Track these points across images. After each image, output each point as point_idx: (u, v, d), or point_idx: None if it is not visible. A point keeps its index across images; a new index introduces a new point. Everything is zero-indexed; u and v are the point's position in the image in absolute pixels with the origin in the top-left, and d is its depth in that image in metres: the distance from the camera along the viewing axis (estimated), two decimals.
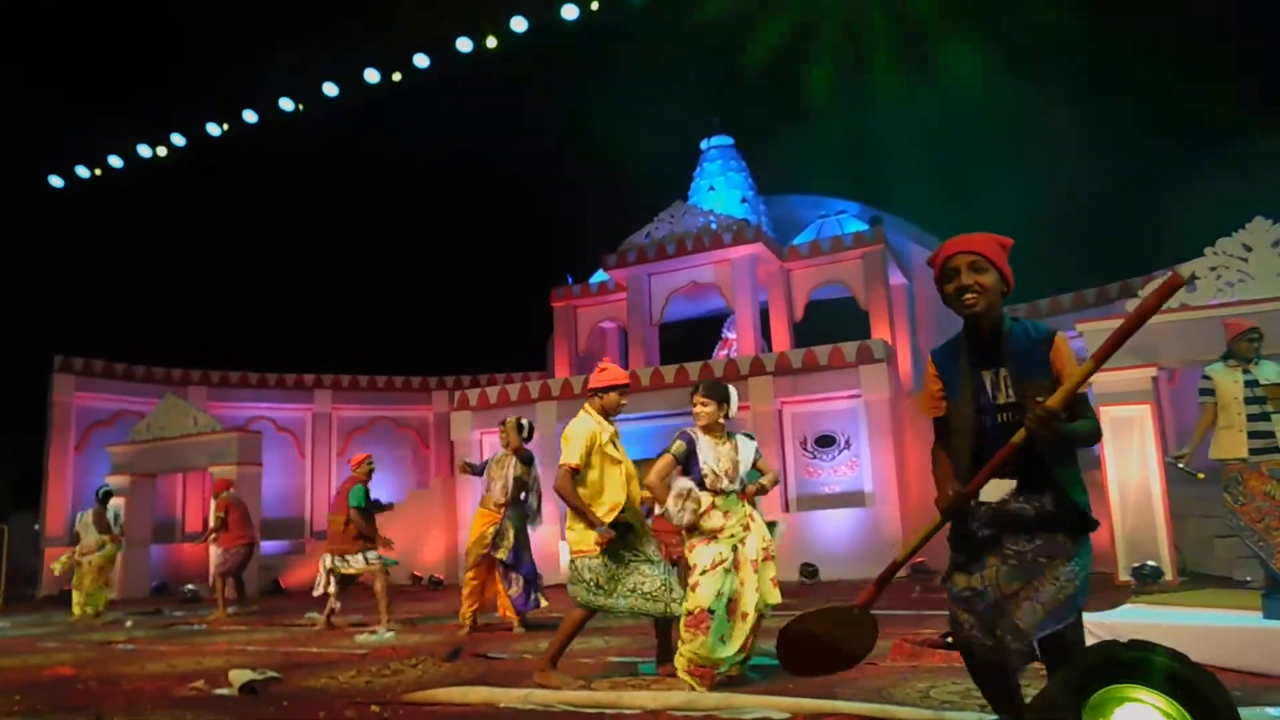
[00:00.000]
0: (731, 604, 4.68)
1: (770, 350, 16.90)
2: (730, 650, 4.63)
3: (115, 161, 16.76)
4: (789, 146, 19.53)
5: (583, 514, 4.78)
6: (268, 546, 17.01)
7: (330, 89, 15.90)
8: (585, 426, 4.92)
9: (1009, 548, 2.67)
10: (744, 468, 4.88)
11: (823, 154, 19.19)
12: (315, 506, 20.06)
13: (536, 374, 20.32)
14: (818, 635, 3.02)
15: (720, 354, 18.48)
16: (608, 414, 5.05)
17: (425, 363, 21.59)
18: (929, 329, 18.74)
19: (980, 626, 2.67)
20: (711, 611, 4.56)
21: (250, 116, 16.34)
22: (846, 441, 14.17)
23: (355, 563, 8.58)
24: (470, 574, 8.00)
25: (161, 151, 16.72)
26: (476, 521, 8.10)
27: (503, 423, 8.27)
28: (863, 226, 18.15)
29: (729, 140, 20.42)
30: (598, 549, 4.76)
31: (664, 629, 4.96)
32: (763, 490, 4.97)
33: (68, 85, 17.52)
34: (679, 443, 4.83)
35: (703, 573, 4.65)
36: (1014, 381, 2.70)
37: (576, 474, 4.83)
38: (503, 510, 7.93)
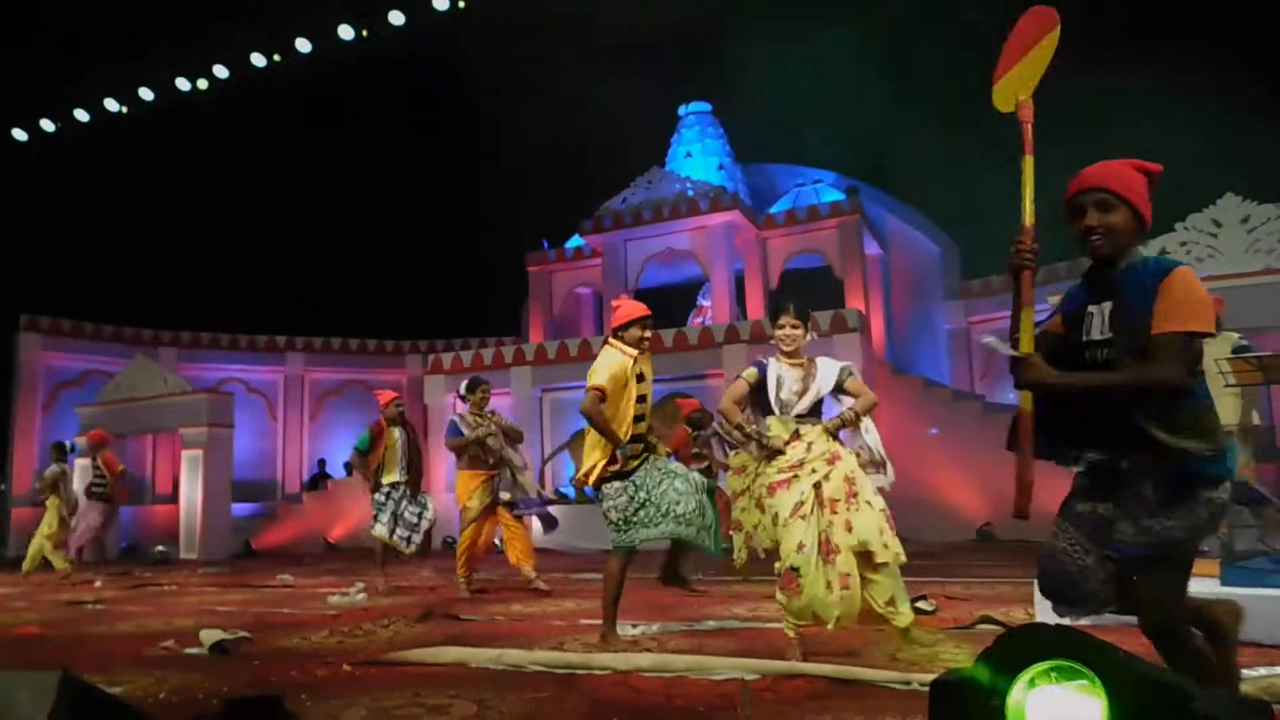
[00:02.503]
0: (824, 548, 4.22)
1: (745, 318, 16.92)
2: (833, 599, 4.15)
3: (81, 115, 16.44)
4: (767, 114, 19.43)
5: (607, 433, 4.74)
6: (239, 509, 16.95)
7: (303, 45, 15.65)
8: (613, 358, 4.85)
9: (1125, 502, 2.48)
10: (823, 390, 4.50)
11: (801, 122, 19.11)
12: (286, 469, 19.99)
13: (511, 339, 20.26)
14: None
15: (695, 321, 18.50)
16: (635, 346, 4.92)
17: (399, 326, 21.47)
18: (903, 299, 18.85)
19: (1079, 544, 2.52)
20: (796, 569, 4.17)
21: (221, 72, 16.06)
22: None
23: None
24: (467, 534, 7.85)
25: (129, 107, 16.42)
26: (467, 482, 7.90)
27: (474, 388, 8.20)
28: (839, 196, 18.16)
29: (707, 107, 20.32)
30: (613, 473, 4.76)
31: (676, 546, 4.90)
32: (845, 423, 4.49)
33: (33, 36, 17.10)
34: (752, 369, 4.58)
35: (783, 525, 4.24)
36: (1115, 317, 2.47)
37: (604, 398, 4.76)
38: (495, 468, 7.85)
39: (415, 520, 8.48)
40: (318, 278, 22.27)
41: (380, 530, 8.35)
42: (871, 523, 4.30)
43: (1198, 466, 2.35)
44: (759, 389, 4.54)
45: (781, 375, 4.52)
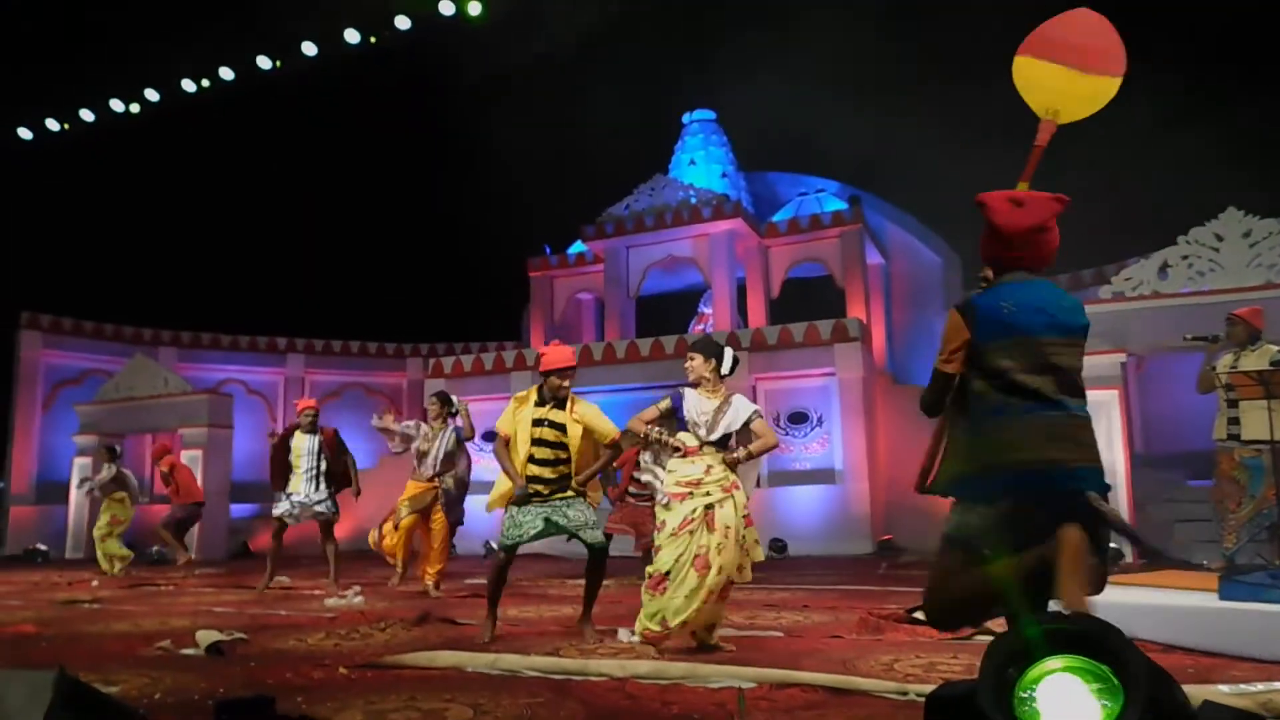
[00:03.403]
0: (699, 561, 4.67)
1: (746, 326, 16.94)
2: (689, 607, 4.63)
3: (87, 115, 16.45)
4: (771, 122, 19.45)
5: (509, 474, 5.28)
6: (236, 510, 16.94)
7: (309, 48, 15.67)
8: (515, 400, 5.39)
9: None
10: (732, 426, 4.88)
11: (804, 130, 19.13)
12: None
13: (511, 344, 20.26)
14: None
15: (696, 328, 18.52)
16: (551, 394, 5.29)
17: (399, 329, 21.47)
18: (904, 309, 18.85)
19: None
20: (668, 574, 4.68)
21: (227, 74, 16.07)
22: (819, 419, 14.26)
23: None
24: (395, 529, 8.43)
25: (135, 107, 16.44)
26: (409, 488, 8.49)
27: (436, 397, 8.66)
28: (842, 205, 18.19)
29: (711, 115, 20.35)
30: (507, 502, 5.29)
31: (590, 588, 5.36)
32: (749, 456, 4.89)
33: (40, 35, 17.14)
34: (666, 399, 5.02)
35: (670, 535, 4.73)
36: None
37: (505, 443, 5.34)
38: (436, 481, 8.38)
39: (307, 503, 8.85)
40: (319, 280, 22.28)
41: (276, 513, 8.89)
42: (742, 548, 4.79)
43: None
44: (673, 414, 4.96)
45: (697, 405, 4.91)
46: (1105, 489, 2.67)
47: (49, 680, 1.95)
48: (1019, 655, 2.12)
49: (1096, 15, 2.97)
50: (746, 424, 4.93)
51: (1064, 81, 2.88)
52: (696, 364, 4.96)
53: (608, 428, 5.31)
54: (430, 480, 8.40)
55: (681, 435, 4.91)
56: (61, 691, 1.92)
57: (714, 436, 4.84)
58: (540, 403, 5.31)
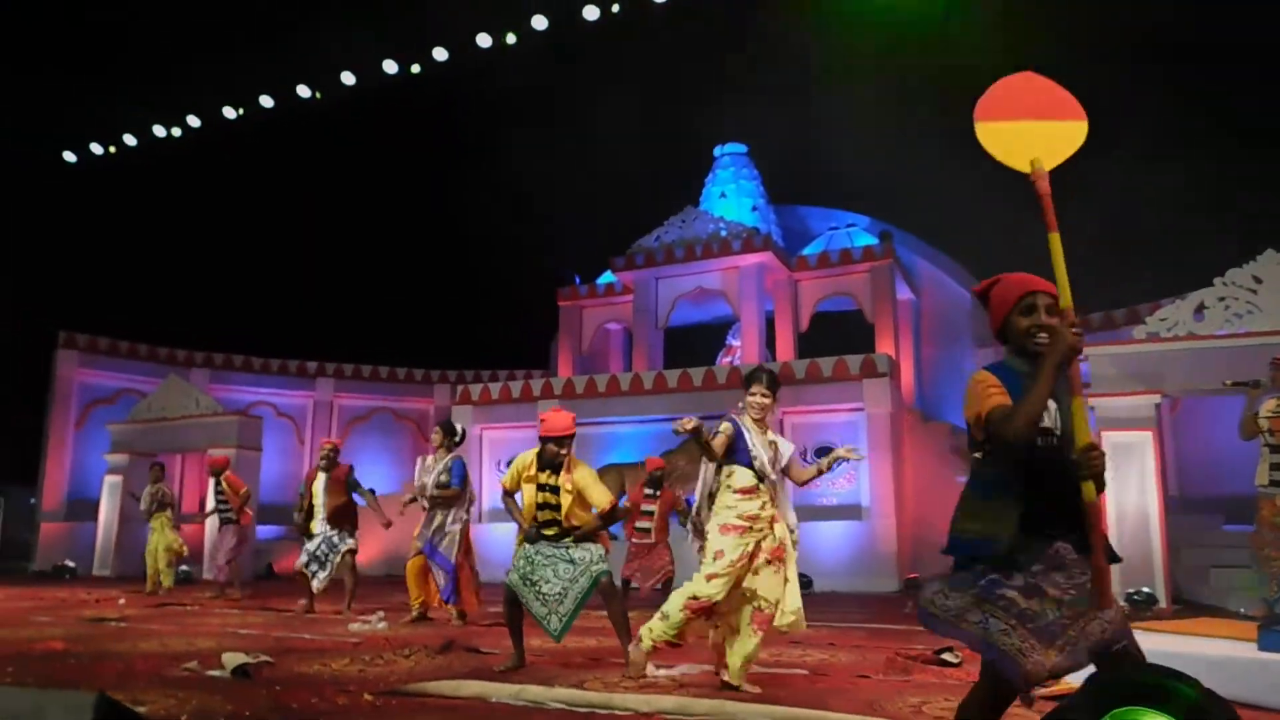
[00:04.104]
0: (734, 590, 4.72)
1: (774, 359, 16.90)
2: (710, 641, 4.75)
3: (130, 140, 16.80)
4: (803, 156, 19.51)
5: (515, 518, 5.71)
6: (263, 531, 17.03)
7: (348, 78, 15.94)
8: (518, 460, 5.61)
9: (1060, 583, 2.57)
10: (780, 464, 4.93)
11: (835, 165, 19.18)
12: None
13: (539, 372, 20.32)
14: None
15: (724, 360, 18.49)
16: (549, 459, 5.45)
17: (428, 355, 21.61)
18: (934, 345, 18.74)
19: (1039, 641, 2.50)
20: (715, 604, 4.67)
21: (266, 102, 16.38)
22: None
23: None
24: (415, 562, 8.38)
25: (176, 132, 16.77)
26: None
27: (440, 427, 8.61)
28: (872, 240, 18.16)
29: (743, 148, 20.45)
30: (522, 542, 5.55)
31: (615, 618, 5.49)
32: (819, 472, 5.00)
33: (89, 62, 17.55)
34: (727, 424, 4.91)
35: (727, 566, 4.66)
36: (1060, 413, 2.60)
37: (507, 493, 5.71)
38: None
39: (324, 556, 8.96)
40: (350, 305, 22.52)
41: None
42: (778, 587, 4.77)
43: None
44: (735, 444, 4.88)
45: (758, 439, 4.88)
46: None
47: (89, 702, 1.97)
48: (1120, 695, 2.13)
49: (1037, 75, 3.05)
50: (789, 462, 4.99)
51: (1033, 132, 2.93)
52: (769, 402, 4.94)
53: (599, 497, 5.38)
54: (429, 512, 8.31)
55: (738, 471, 4.83)
56: (101, 714, 1.94)
57: (774, 475, 4.85)
58: (540, 467, 5.47)
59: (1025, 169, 2.85)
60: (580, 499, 5.39)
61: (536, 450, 5.53)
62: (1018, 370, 2.66)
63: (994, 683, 2.53)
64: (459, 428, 8.72)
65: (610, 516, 5.46)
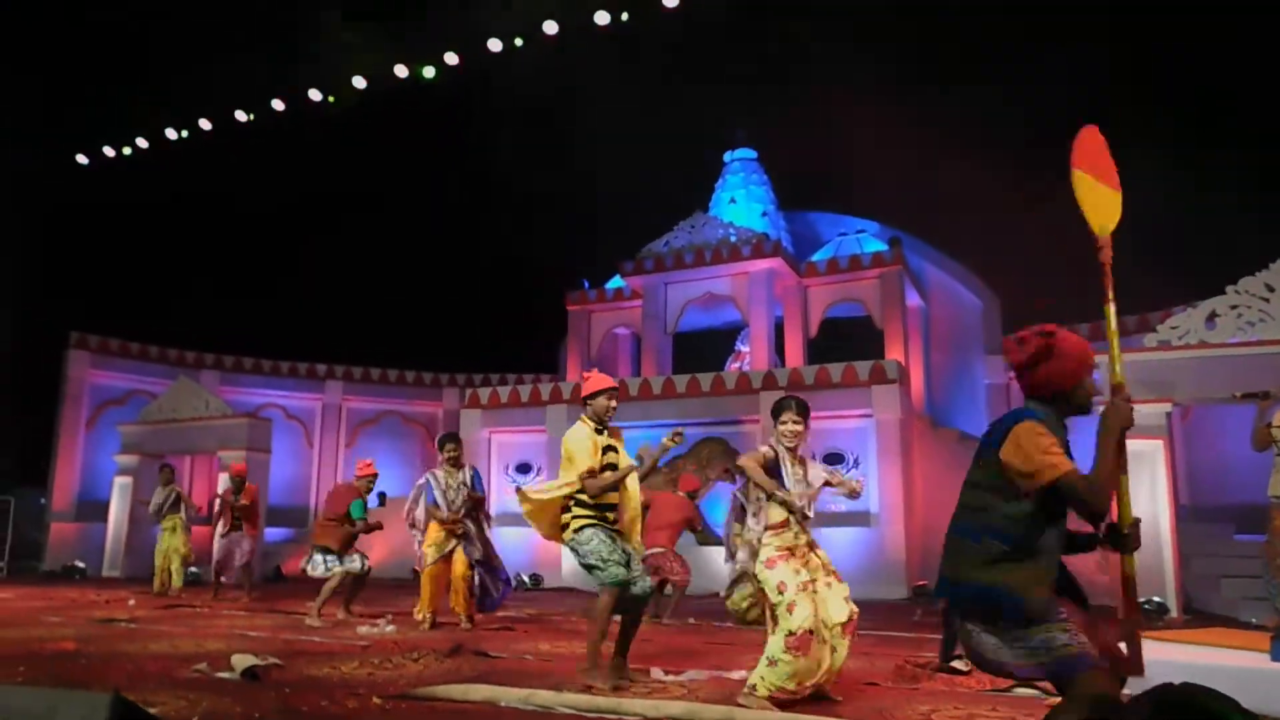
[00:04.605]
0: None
1: (783, 365, 16.88)
2: (823, 668, 4.49)
3: (142, 142, 16.88)
4: (812, 162, 19.51)
5: (623, 479, 5.26)
6: (271, 534, 17.07)
7: (359, 81, 15.99)
8: (580, 435, 5.24)
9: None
10: (809, 492, 4.83)
11: (845, 171, 19.18)
12: (320, 496, 20.12)
13: (548, 376, 20.34)
14: None
15: (733, 366, 18.47)
16: (600, 419, 5.32)
17: (437, 359, 21.65)
18: (943, 351, 18.71)
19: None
20: (811, 632, 4.42)
21: (278, 105, 16.44)
22: (855, 460, 14.14)
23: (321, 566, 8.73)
24: (431, 571, 8.21)
25: (188, 134, 16.84)
26: (432, 532, 8.33)
27: (455, 442, 8.54)
28: (882, 246, 18.13)
29: (752, 154, 20.45)
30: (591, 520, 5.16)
31: (630, 625, 5.24)
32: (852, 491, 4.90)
33: (101, 64, 17.65)
34: (767, 449, 4.83)
35: (798, 592, 4.50)
36: None
37: (593, 474, 5.17)
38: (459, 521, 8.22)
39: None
40: (360, 308, 22.58)
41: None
42: (841, 594, 4.67)
43: None
44: (773, 471, 4.78)
45: (792, 474, 4.78)
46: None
47: (104, 702, 1.98)
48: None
49: (1098, 134, 3.10)
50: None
51: (1102, 196, 2.98)
52: (800, 429, 4.81)
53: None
54: (452, 522, 8.26)
55: (769, 506, 4.72)
56: (116, 714, 1.95)
57: (804, 507, 4.73)
58: (598, 431, 5.32)
59: (1097, 231, 2.88)
60: None
61: (584, 419, 5.33)
62: (1051, 422, 2.69)
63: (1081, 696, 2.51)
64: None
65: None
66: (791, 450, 4.81)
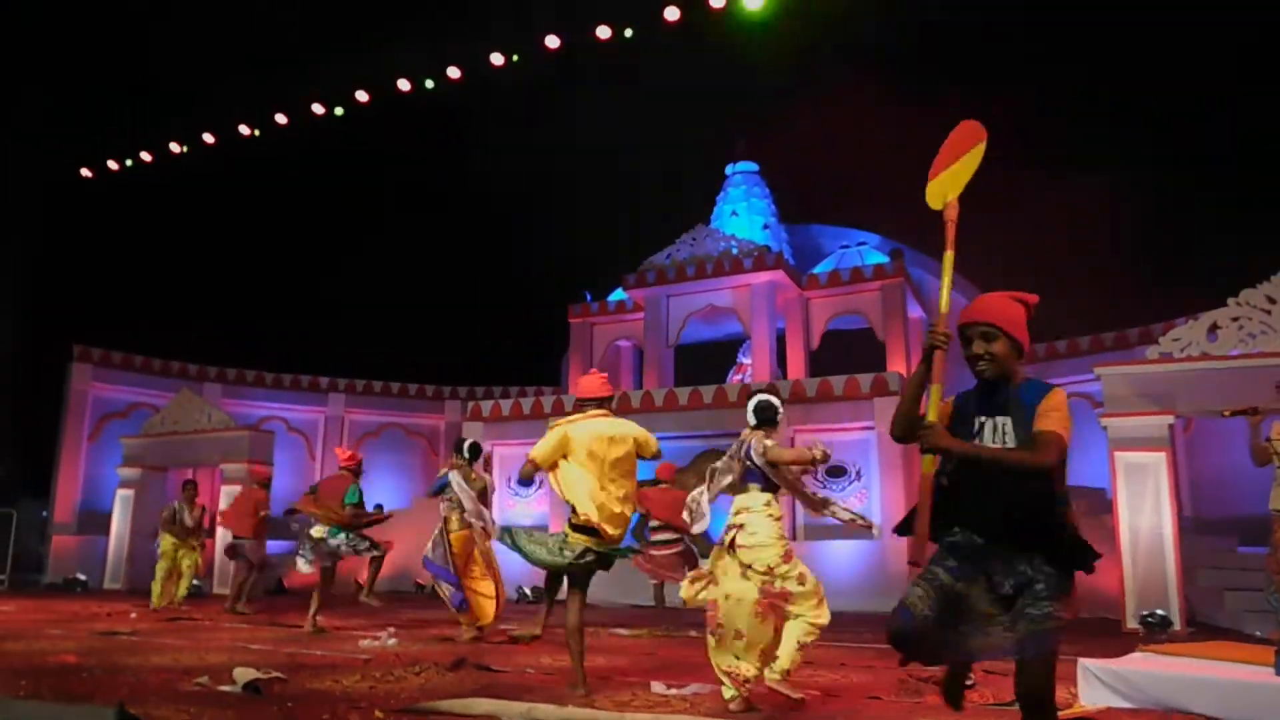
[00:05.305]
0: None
1: (785, 378, 16.88)
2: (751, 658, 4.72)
3: (146, 156, 16.95)
4: (813, 175, 19.57)
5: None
6: (273, 546, 17.00)
7: (361, 95, 16.06)
8: (553, 431, 5.20)
9: (994, 577, 2.78)
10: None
11: (846, 184, 19.23)
12: None
13: (550, 389, 20.35)
14: None
15: (734, 378, 18.48)
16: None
17: (439, 372, 21.65)
18: (945, 364, 18.68)
19: (935, 613, 2.80)
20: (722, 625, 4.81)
21: (281, 119, 16.51)
22: (857, 473, 14.13)
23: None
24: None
25: (191, 149, 16.91)
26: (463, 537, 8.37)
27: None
28: (883, 258, 18.16)
29: (754, 167, 20.49)
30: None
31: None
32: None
33: (104, 79, 17.75)
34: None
35: (814, 583, 4.86)
36: (1017, 430, 2.82)
37: (532, 464, 5.22)
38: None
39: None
40: (362, 321, 22.62)
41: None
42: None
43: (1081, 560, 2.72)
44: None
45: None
46: None
47: (108, 715, 1.98)
48: None
49: (969, 121, 3.43)
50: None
51: (951, 177, 3.34)
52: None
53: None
54: (468, 527, 8.32)
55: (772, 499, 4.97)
56: None
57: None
58: None
59: (939, 206, 3.27)
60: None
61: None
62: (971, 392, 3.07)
63: None
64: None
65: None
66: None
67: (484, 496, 8.48)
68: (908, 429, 2.91)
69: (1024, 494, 2.75)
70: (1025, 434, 2.77)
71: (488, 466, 8.71)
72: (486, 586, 8.27)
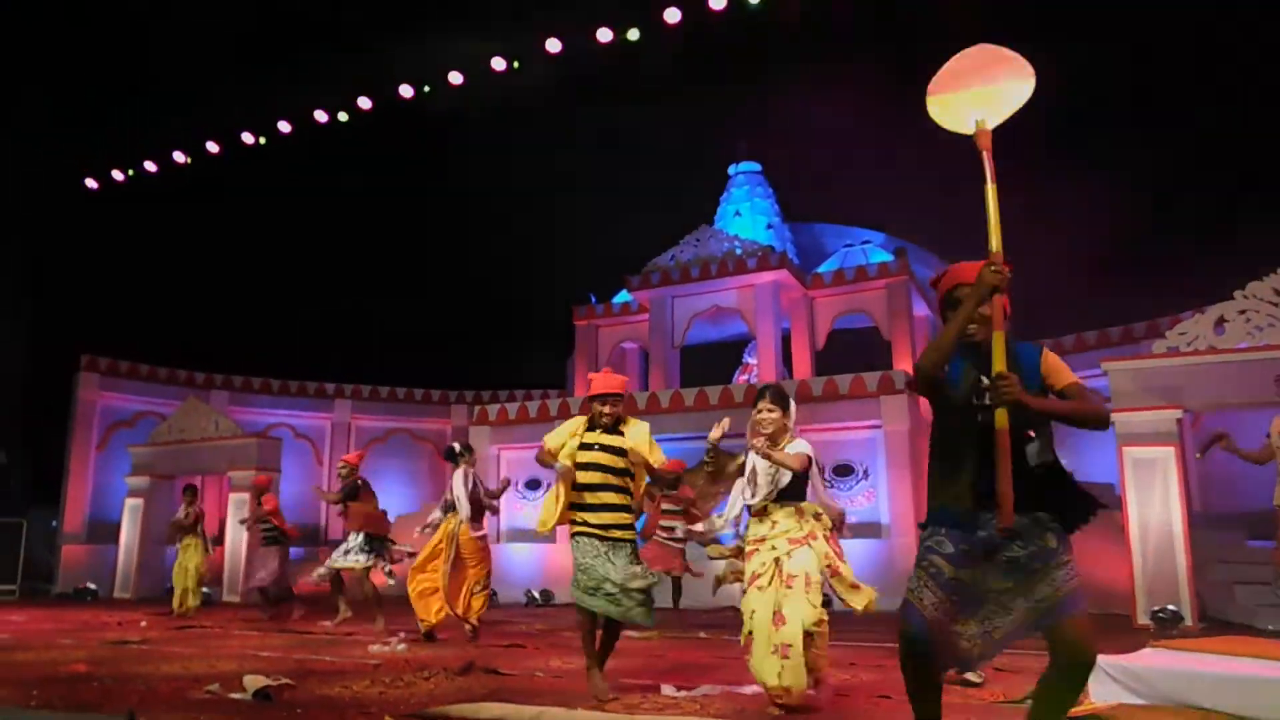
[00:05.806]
0: (777, 616, 4.56)
1: (791, 377, 16.87)
2: (775, 664, 4.45)
3: (150, 166, 17.01)
4: (817, 174, 19.58)
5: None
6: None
7: (364, 102, 16.10)
8: (566, 423, 5.33)
9: (1002, 554, 2.78)
10: (783, 480, 4.80)
11: (850, 182, 19.23)
12: (330, 514, 20.13)
13: (556, 392, 20.35)
14: None
15: (740, 379, 18.47)
16: (595, 422, 5.29)
17: (445, 377, 21.70)
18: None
19: (946, 609, 2.81)
20: (751, 634, 4.61)
21: (285, 127, 16.55)
22: (865, 472, 14.10)
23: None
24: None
25: (195, 157, 16.96)
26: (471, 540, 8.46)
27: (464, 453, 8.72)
28: (888, 257, 18.14)
29: (757, 167, 20.49)
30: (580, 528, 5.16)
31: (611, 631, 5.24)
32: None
33: (110, 89, 17.83)
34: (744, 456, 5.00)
35: (744, 592, 4.74)
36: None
37: (549, 453, 5.25)
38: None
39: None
40: (368, 327, 22.67)
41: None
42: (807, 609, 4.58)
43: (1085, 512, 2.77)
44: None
45: (755, 462, 4.87)
46: None
47: None
48: None
49: (990, 45, 3.16)
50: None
51: (978, 98, 3.08)
52: (773, 416, 4.84)
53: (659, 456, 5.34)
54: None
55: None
56: None
57: (756, 500, 4.86)
58: (590, 428, 5.31)
59: (969, 131, 3.02)
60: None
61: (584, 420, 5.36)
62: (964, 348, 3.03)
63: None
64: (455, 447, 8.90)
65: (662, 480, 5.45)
66: (769, 437, 4.80)
67: (476, 492, 8.48)
68: (940, 363, 2.85)
69: (1048, 448, 2.79)
70: (1033, 393, 2.78)
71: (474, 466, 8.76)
72: (431, 582, 8.32)
